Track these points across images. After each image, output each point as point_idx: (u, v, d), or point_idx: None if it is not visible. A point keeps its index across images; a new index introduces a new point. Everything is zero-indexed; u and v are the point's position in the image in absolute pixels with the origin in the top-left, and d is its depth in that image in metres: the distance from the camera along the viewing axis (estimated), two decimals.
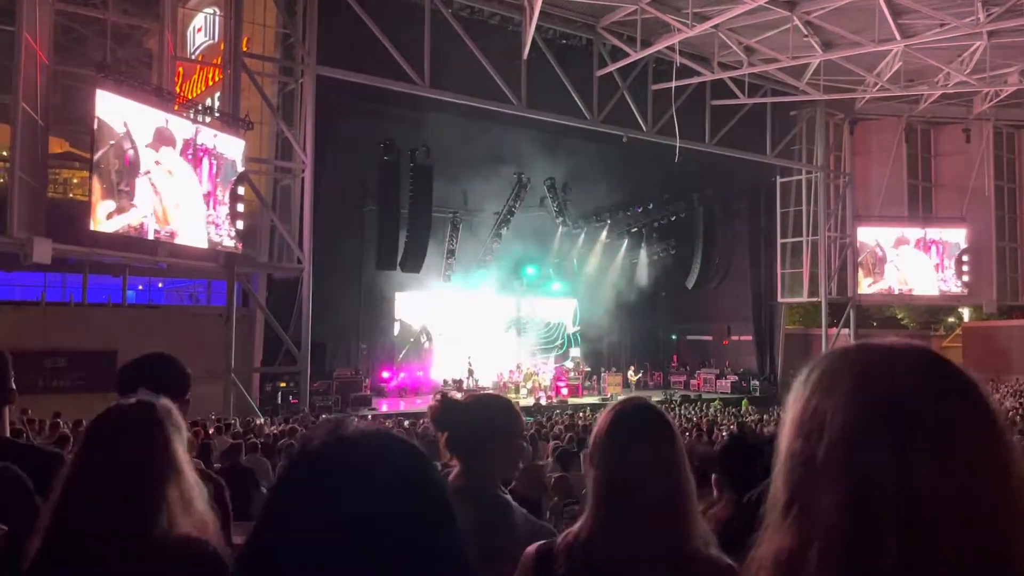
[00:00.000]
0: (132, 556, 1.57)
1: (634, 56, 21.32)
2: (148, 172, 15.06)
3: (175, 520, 1.65)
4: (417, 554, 0.86)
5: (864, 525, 0.77)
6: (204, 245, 16.34)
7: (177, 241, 15.78)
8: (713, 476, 3.15)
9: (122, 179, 14.51)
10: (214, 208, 16.44)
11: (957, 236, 27.50)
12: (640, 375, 27.29)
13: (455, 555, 0.90)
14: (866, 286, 27.50)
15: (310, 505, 0.86)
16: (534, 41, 20.16)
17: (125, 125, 14.44)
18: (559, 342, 28.74)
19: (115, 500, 1.61)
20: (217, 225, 16.50)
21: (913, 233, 27.60)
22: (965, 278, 27.24)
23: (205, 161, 16.22)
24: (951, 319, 36.29)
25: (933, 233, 27.61)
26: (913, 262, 27.46)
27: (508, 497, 2.20)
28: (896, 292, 28.00)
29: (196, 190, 16.13)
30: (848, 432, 0.80)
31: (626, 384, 26.45)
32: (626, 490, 1.69)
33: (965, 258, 27.16)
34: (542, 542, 1.80)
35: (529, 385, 23.98)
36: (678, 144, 20.98)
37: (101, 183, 14.11)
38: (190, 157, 15.85)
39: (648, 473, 1.69)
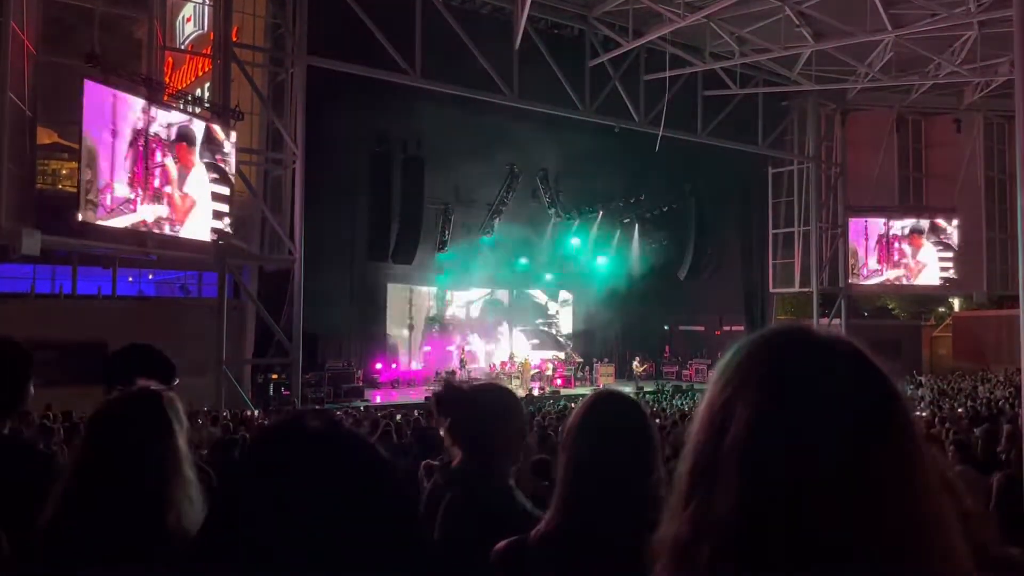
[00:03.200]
0: (141, 553, 1.51)
1: (626, 46, 21.29)
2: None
3: (182, 516, 1.59)
4: (367, 553, 0.84)
5: (757, 525, 0.75)
6: (206, 238, 16.45)
7: (182, 234, 15.89)
8: None
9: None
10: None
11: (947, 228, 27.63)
12: (646, 366, 27.35)
13: (406, 555, 0.87)
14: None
15: (257, 504, 0.84)
16: (526, 31, 20.08)
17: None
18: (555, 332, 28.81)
19: (123, 495, 1.54)
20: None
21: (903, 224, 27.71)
22: (953, 274, 27.40)
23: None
24: (941, 309, 36.43)
25: (923, 224, 27.71)
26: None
27: (512, 484, 2.20)
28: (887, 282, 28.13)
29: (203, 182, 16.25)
30: (751, 430, 0.78)
31: (631, 375, 26.49)
32: (596, 480, 1.68)
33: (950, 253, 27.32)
34: (513, 537, 1.77)
35: (521, 376, 24.01)
36: (661, 133, 21.01)
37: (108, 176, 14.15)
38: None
39: (619, 463, 1.68)
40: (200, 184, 16.29)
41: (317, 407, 17.19)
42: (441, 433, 2.25)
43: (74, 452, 1.64)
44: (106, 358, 2.43)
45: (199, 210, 16.32)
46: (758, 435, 0.77)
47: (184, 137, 15.93)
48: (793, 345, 0.84)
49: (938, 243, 27.39)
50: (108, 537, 1.51)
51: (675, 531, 0.82)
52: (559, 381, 24.32)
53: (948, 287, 28.67)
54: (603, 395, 1.84)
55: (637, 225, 28.32)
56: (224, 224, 16.80)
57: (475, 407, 2.19)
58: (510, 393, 2.33)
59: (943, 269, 27.56)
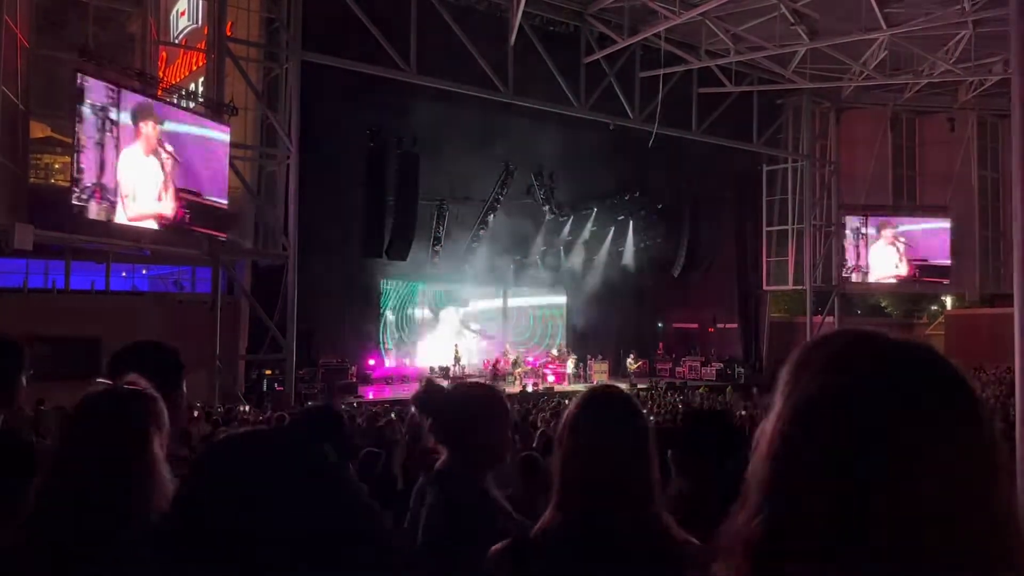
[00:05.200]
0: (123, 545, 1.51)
1: (621, 43, 21.29)
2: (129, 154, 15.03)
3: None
4: (311, 533, 0.92)
5: (852, 526, 0.75)
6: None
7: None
8: (670, 453, 2.96)
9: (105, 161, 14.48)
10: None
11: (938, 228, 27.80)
12: (640, 363, 27.32)
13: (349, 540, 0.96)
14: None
15: (213, 488, 0.94)
16: (521, 28, 20.06)
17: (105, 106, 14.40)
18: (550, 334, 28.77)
19: (97, 491, 1.54)
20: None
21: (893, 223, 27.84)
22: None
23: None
24: (934, 307, 36.56)
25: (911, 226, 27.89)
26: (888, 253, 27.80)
27: (489, 487, 2.19)
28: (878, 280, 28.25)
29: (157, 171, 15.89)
30: (852, 431, 0.77)
31: (625, 372, 26.48)
32: (594, 474, 1.69)
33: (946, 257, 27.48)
34: (516, 536, 1.78)
35: (516, 372, 24.02)
36: (656, 131, 21.05)
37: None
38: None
39: (615, 458, 1.70)
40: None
41: (313, 403, 17.19)
42: (426, 431, 2.25)
43: (54, 446, 1.64)
44: (114, 354, 2.40)
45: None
46: (860, 435, 0.77)
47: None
48: (889, 351, 0.84)
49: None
50: (84, 532, 1.52)
51: (751, 528, 0.81)
52: (553, 378, 24.33)
53: (940, 285, 28.80)
54: (598, 390, 1.86)
55: (632, 222, 28.31)
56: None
57: (456, 407, 2.19)
58: (494, 391, 2.33)
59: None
